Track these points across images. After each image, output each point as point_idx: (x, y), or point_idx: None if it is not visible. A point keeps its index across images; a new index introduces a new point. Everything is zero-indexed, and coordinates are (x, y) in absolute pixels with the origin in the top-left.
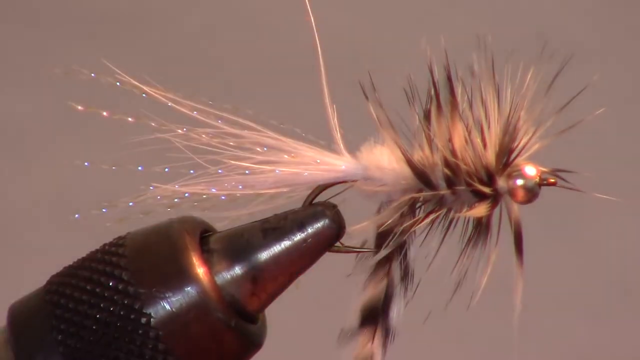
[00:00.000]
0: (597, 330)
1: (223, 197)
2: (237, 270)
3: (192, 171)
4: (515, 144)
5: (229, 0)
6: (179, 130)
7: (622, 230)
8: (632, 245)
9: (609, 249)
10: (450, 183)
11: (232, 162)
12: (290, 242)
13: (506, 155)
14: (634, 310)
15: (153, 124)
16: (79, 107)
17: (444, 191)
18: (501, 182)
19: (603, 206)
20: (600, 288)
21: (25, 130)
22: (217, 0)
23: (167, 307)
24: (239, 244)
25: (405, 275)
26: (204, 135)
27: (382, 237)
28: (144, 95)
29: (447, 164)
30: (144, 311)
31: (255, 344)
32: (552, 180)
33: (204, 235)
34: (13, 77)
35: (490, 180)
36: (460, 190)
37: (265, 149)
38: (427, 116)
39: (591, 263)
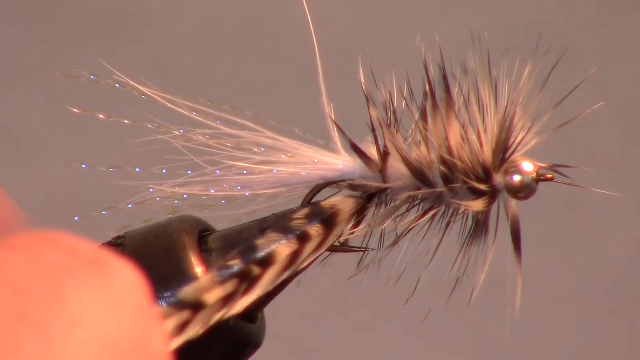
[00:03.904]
0: (597, 331)
1: (223, 202)
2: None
3: (190, 172)
4: (512, 141)
5: (228, 1)
6: (176, 132)
7: (621, 227)
8: (632, 243)
9: (608, 247)
10: (447, 181)
11: (231, 162)
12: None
13: (503, 151)
14: (634, 310)
15: (150, 126)
16: (76, 110)
17: (442, 189)
18: (498, 179)
19: (602, 203)
20: (600, 288)
21: (25, 131)
22: (216, 1)
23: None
24: (237, 244)
25: None
26: (201, 137)
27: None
28: (143, 97)
29: (443, 161)
30: None
31: (254, 343)
32: (550, 176)
33: (202, 234)
34: (13, 78)
35: (487, 177)
36: (457, 188)
37: (262, 149)
38: (423, 114)
39: (590, 261)
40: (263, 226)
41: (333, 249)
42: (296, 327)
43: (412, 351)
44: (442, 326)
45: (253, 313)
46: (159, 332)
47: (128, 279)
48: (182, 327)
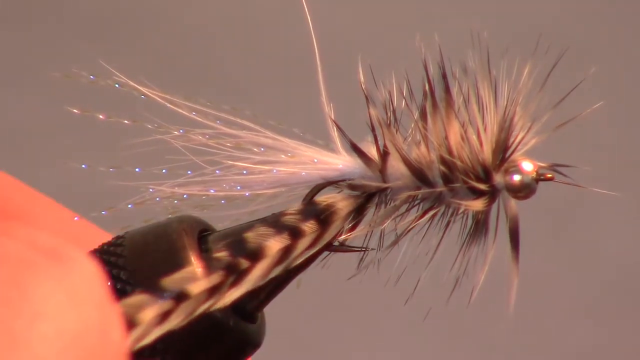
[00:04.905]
0: (597, 331)
1: (223, 202)
2: None
3: (189, 172)
4: (512, 140)
5: (227, 1)
6: (176, 132)
7: (621, 227)
8: (632, 243)
9: (608, 247)
10: (447, 180)
11: (230, 162)
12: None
13: (503, 151)
14: (634, 310)
15: (150, 126)
16: (75, 111)
17: (441, 188)
18: (498, 178)
19: (602, 203)
20: (601, 288)
21: (24, 132)
22: (215, 1)
23: None
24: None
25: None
26: (201, 137)
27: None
28: (142, 97)
29: (443, 161)
30: None
31: (253, 343)
32: (550, 176)
33: (202, 234)
34: (12, 78)
35: (487, 176)
36: (457, 188)
37: (262, 149)
38: (422, 114)
39: (590, 262)
40: (264, 223)
41: (332, 249)
42: (296, 327)
43: (412, 351)
44: (442, 326)
45: (253, 313)
46: (118, 324)
47: (87, 270)
48: (164, 316)
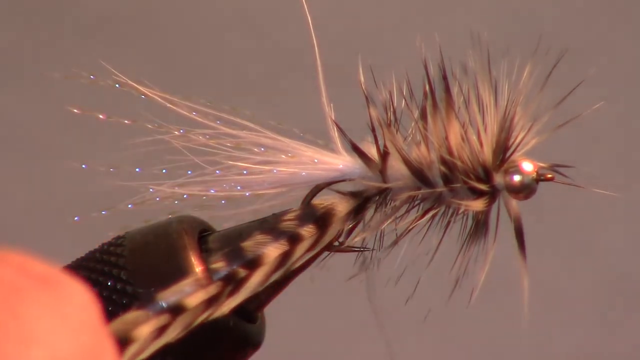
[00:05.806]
0: (597, 331)
1: (223, 202)
2: None
3: (190, 172)
4: (512, 140)
5: (228, 1)
6: (176, 132)
7: (621, 227)
8: (632, 243)
9: (607, 247)
10: (447, 180)
11: (231, 162)
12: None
13: (503, 151)
14: (634, 311)
15: (150, 126)
16: (75, 111)
17: (441, 189)
18: (498, 179)
19: (602, 203)
20: (600, 288)
21: (24, 131)
22: (215, 1)
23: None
24: (237, 244)
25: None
26: (201, 137)
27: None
28: (142, 97)
29: (443, 161)
30: None
31: (253, 343)
32: (550, 176)
33: (202, 234)
34: (12, 78)
35: (487, 176)
36: (457, 188)
37: (262, 149)
38: (423, 114)
39: (590, 262)
40: (263, 226)
41: (333, 249)
42: (296, 327)
43: (412, 350)
44: (442, 326)
45: (253, 313)
46: (111, 348)
47: (80, 297)
48: (160, 330)
